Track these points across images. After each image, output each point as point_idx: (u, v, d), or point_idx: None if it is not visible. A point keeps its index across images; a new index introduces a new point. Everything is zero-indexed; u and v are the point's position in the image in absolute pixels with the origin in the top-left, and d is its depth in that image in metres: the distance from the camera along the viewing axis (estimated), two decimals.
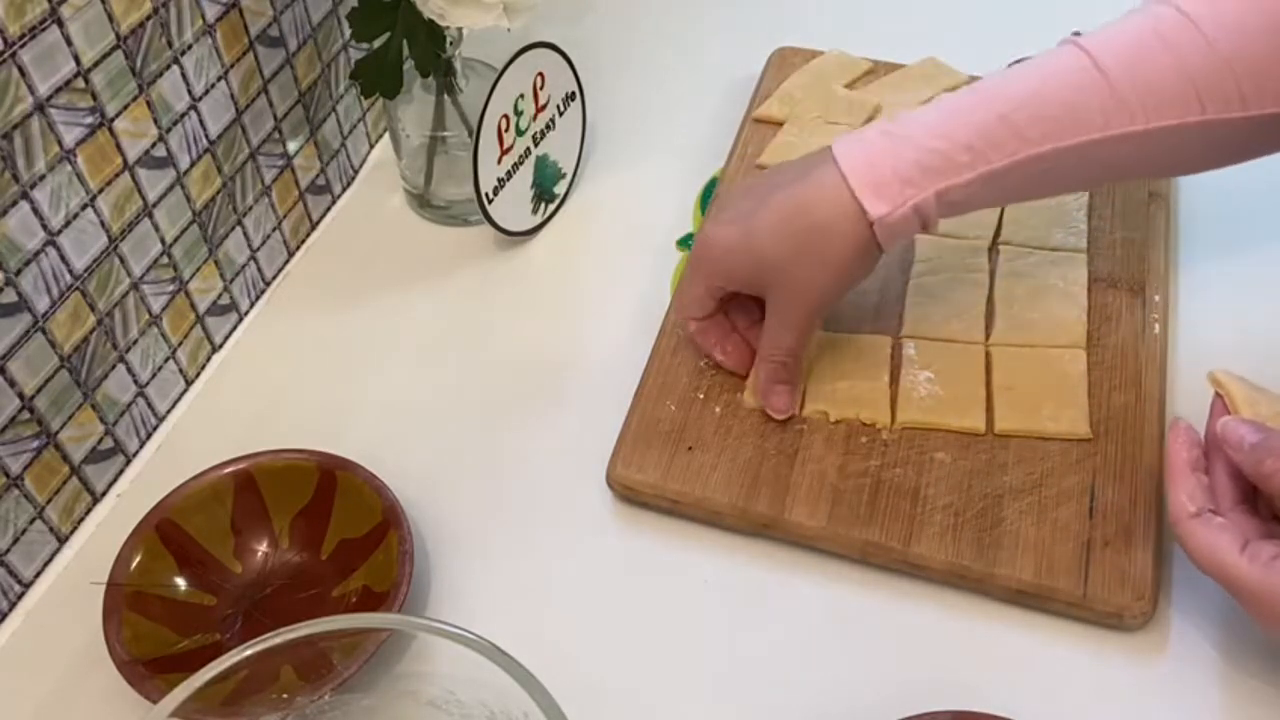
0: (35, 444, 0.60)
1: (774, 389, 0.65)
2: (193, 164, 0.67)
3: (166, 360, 0.69)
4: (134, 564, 0.59)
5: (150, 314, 0.67)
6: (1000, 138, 0.58)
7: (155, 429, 0.70)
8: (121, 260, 0.64)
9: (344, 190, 0.85)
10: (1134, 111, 0.57)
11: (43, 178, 0.57)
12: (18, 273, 0.57)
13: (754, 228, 0.61)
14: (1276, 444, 0.53)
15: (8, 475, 0.59)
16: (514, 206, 0.78)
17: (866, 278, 0.63)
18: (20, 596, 0.62)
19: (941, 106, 0.60)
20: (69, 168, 0.58)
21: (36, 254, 0.57)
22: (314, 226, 0.82)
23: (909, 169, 0.58)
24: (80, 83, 0.57)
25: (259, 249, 0.76)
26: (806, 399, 0.67)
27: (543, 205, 0.81)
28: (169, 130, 0.65)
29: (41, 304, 0.59)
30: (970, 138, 0.58)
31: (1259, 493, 0.55)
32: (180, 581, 0.61)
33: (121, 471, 0.68)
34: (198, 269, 0.70)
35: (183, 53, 0.64)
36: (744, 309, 0.68)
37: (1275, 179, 0.79)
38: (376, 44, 0.73)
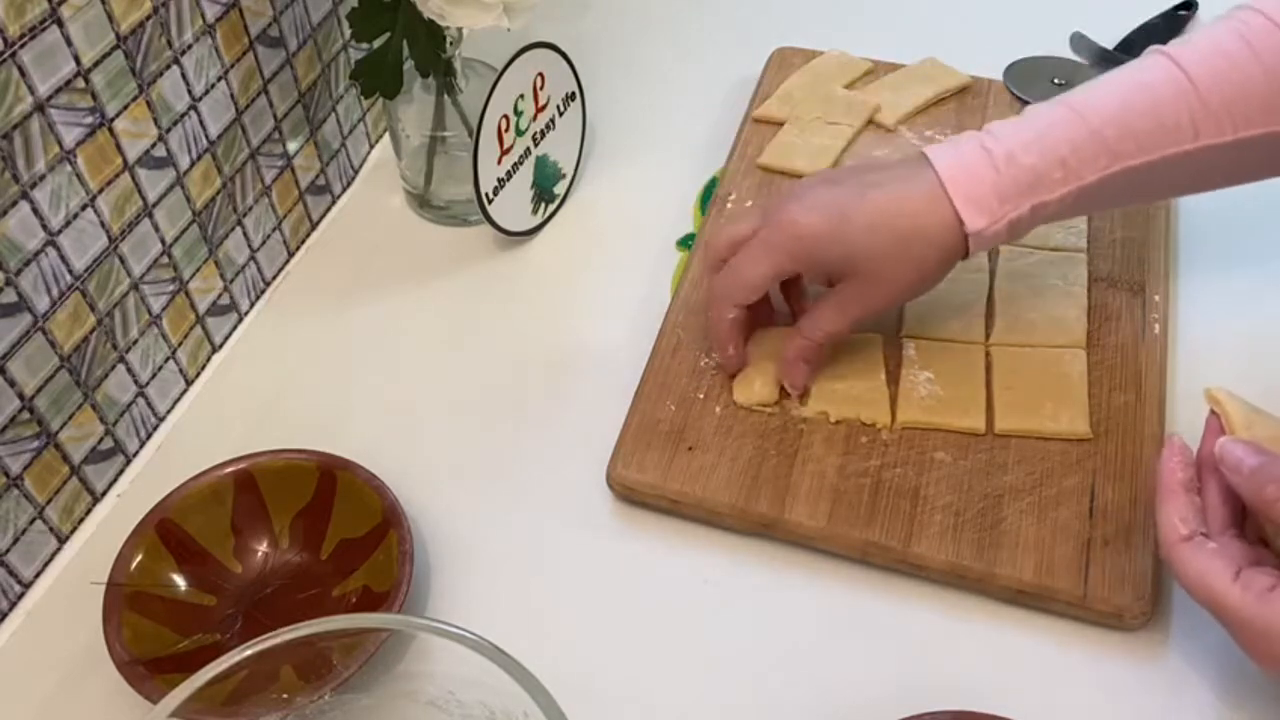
0: (35, 444, 0.60)
1: (798, 365, 0.66)
2: (193, 164, 0.67)
3: (166, 360, 0.69)
4: (134, 564, 0.59)
5: (150, 314, 0.67)
6: (1092, 153, 0.58)
7: (155, 429, 0.70)
8: (121, 260, 0.64)
9: (344, 190, 0.85)
10: (1223, 122, 0.57)
11: (43, 178, 0.57)
12: (18, 273, 0.57)
13: (849, 219, 0.61)
14: (1278, 470, 0.51)
15: (8, 475, 0.59)
16: (514, 206, 0.78)
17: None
18: (20, 596, 0.62)
19: (1034, 121, 0.60)
20: (69, 168, 0.58)
21: (36, 254, 0.57)
22: (314, 226, 0.82)
23: (1007, 186, 0.59)
24: (80, 83, 0.57)
25: (259, 249, 0.76)
26: (807, 398, 0.67)
27: (543, 205, 0.81)
28: (169, 130, 0.65)
29: (41, 304, 0.59)
30: (1064, 153, 0.58)
31: (1248, 516, 0.54)
32: (180, 581, 0.61)
33: (121, 471, 0.68)
34: (198, 269, 0.70)
35: (183, 53, 0.64)
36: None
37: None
38: (376, 44, 0.73)
